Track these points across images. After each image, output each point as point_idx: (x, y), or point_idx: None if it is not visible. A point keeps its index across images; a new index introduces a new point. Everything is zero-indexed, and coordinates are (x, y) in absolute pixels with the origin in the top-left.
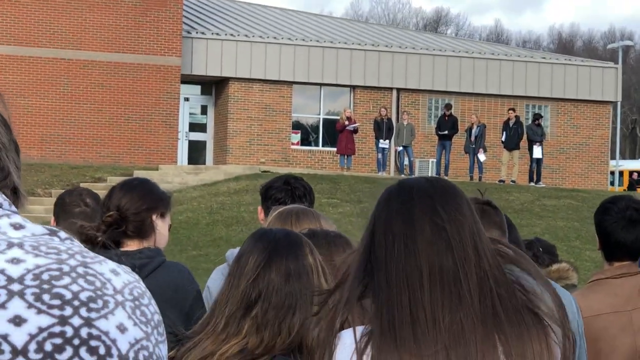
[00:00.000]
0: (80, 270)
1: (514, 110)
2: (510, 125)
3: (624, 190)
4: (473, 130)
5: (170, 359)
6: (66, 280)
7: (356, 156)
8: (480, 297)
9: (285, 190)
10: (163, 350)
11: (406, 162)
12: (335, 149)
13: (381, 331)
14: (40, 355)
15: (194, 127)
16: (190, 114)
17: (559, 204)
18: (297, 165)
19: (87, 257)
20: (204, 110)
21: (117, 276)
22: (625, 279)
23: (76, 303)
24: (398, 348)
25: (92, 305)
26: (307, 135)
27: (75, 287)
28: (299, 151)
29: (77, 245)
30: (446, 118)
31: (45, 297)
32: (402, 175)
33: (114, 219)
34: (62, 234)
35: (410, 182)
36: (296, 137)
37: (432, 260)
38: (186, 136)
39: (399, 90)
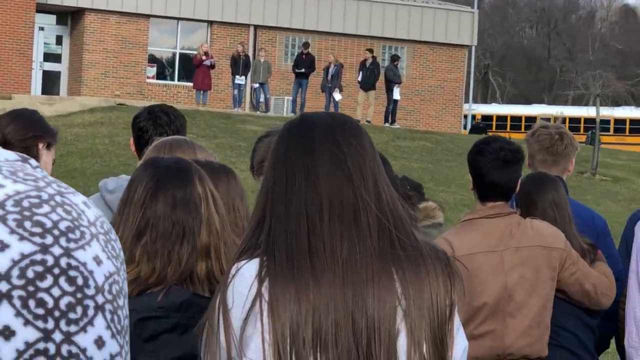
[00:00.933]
0: (58, 199)
1: (371, 50)
2: (367, 65)
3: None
4: (330, 70)
5: None
6: (46, 208)
7: (212, 92)
8: (379, 232)
9: (147, 119)
10: (127, 287)
11: (262, 99)
12: (191, 84)
13: (279, 262)
14: (22, 282)
15: (49, 57)
16: (45, 43)
17: (413, 145)
18: (152, 99)
19: (62, 187)
20: (59, 40)
21: (89, 209)
22: (498, 219)
23: (56, 232)
24: (295, 279)
25: (70, 235)
26: (163, 69)
27: (54, 216)
28: (154, 85)
29: (47, 175)
30: (303, 56)
31: (27, 224)
32: (258, 112)
33: None
34: (33, 162)
35: (312, 116)
36: (152, 70)
37: (332, 192)
38: (40, 66)
39: (256, 27)
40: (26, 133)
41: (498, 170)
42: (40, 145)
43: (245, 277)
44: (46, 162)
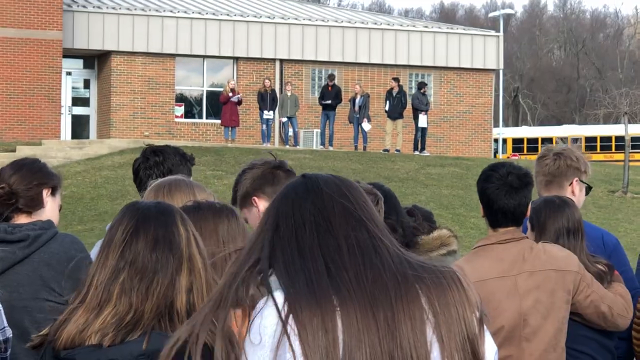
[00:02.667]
0: None
1: (397, 79)
2: (394, 94)
3: (507, 157)
4: (357, 100)
5: (44, 336)
6: None
7: (240, 128)
8: (399, 261)
9: (140, 162)
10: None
11: (290, 133)
12: (219, 121)
13: (302, 293)
14: None
15: (77, 101)
16: (72, 88)
17: (443, 172)
18: (181, 138)
19: None
20: (86, 84)
21: None
22: (510, 244)
23: None
24: (320, 305)
25: None
26: (191, 107)
27: None
28: (183, 124)
29: None
30: (330, 88)
31: None
32: (287, 146)
33: (5, 192)
34: None
35: (315, 174)
36: (180, 109)
37: (348, 234)
38: (69, 111)
39: (282, 61)
40: (30, 182)
41: (507, 196)
42: (45, 192)
43: (271, 310)
44: (52, 209)
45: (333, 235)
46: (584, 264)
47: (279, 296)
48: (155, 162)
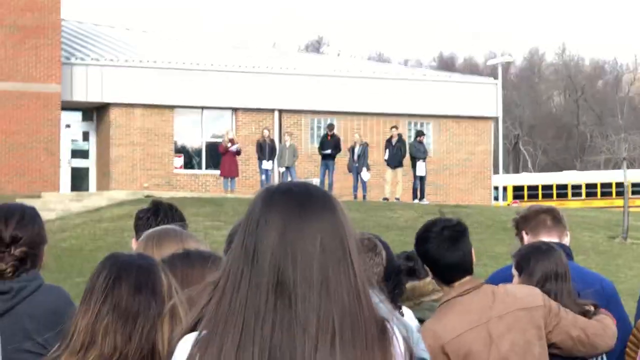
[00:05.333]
0: None
1: (396, 128)
2: (393, 143)
3: (508, 205)
4: (356, 149)
5: None
6: None
7: (240, 178)
8: (322, 323)
9: (147, 218)
10: None
11: None
12: (218, 172)
13: (211, 343)
14: None
15: (76, 153)
16: (72, 140)
17: None
18: (180, 189)
19: None
20: (85, 136)
21: None
22: (472, 293)
23: None
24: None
25: None
26: (190, 158)
27: None
28: (182, 175)
29: None
30: (329, 138)
31: None
32: None
33: (24, 253)
34: None
35: (279, 195)
36: (179, 160)
37: (277, 270)
38: (68, 163)
39: (280, 111)
40: (37, 239)
41: (449, 251)
42: (45, 247)
43: (182, 350)
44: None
45: (261, 281)
46: (569, 306)
47: (193, 338)
48: (163, 216)
